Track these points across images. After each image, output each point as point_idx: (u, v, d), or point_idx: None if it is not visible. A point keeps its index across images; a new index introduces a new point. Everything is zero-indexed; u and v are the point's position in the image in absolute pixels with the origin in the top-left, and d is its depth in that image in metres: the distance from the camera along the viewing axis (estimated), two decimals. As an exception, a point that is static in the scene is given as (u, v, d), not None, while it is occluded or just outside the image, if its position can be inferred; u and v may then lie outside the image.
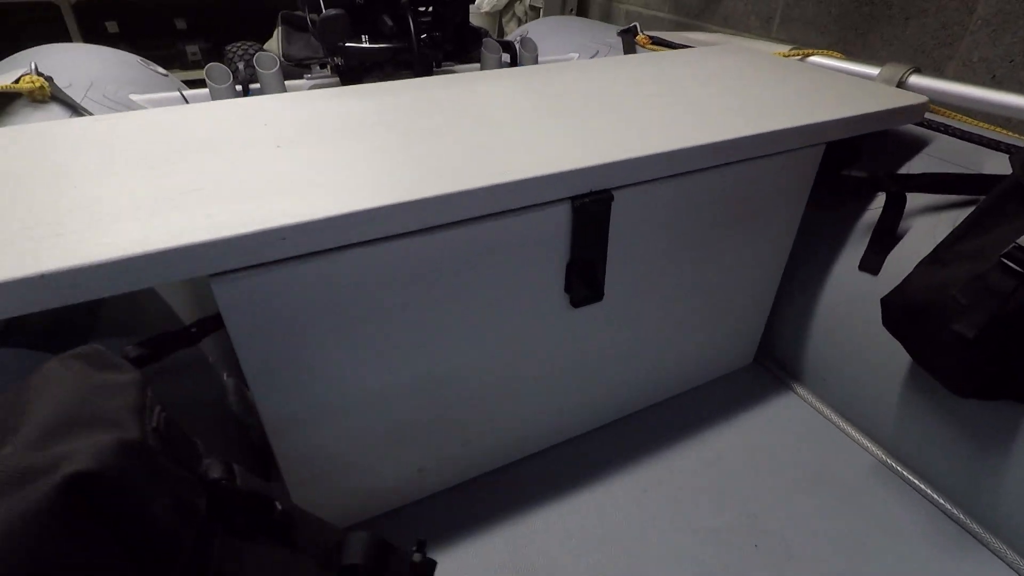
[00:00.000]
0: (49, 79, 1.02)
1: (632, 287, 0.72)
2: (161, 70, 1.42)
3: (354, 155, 0.59)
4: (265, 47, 1.89)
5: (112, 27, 2.54)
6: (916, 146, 0.84)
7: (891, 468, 0.80)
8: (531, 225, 0.60)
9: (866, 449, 0.83)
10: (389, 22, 1.13)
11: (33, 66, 1.03)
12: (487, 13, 2.51)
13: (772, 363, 0.97)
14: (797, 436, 0.85)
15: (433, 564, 0.38)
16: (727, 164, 0.68)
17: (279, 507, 0.32)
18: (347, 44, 1.08)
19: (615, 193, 0.62)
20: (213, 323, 0.53)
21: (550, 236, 0.62)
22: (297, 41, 1.66)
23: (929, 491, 0.76)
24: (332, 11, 0.95)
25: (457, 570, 0.68)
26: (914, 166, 0.82)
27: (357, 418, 0.63)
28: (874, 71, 0.99)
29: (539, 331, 0.68)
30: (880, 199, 0.80)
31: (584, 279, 0.65)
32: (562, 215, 0.61)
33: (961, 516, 0.73)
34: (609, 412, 0.85)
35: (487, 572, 0.68)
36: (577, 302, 0.68)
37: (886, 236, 0.78)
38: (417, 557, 0.36)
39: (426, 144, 0.62)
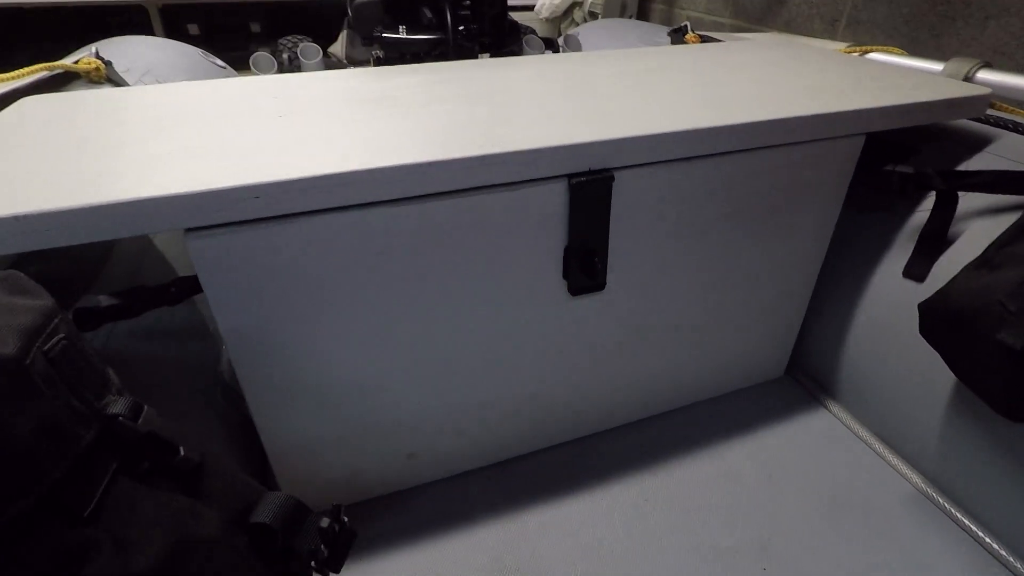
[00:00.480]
0: (108, 63, 1.09)
1: (639, 279, 0.68)
2: (219, 62, 1.49)
3: (349, 125, 0.59)
4: (330, 50, 1.96)
5: (193, 29, 2.71)
6: (977, 144, 0.75)
7: (931, 499, 0.71)
8: (524, 202, 0.57)
9: (904, 476, 0.74)
10: (428, 14, 1.13)
11: (94, 50, 1.10)
12: (547, 19, 2.51)
13: (804, 376, 0.90)
14: (826, 457, 0.77)
15: (351, 534, 0.36)
16: (747, 151, 0.63)
17: (182, 453, 0.31)
18: (384, 35, 1.09)
19: (617, 174, 0.58)
20: (193, 284, 0.53)
21: (545, 216, 0.59)
22: (360, 44, 1.72)
23: (974, 528, 0.67)
24: (366, -2, 0.96)
25: (443, 564, 0.65)
26: (973, 165, 0.73)
27: (340, 394, 0.62)
28: (938, 66, 0.91)
29: (535, 317, 0.65)
30: (930, 200, 0.73)
31: (583, 265, 0.62)
32: (558, 194, 0.57)
33: (1010, 558, 0.64)
34: (616, 415, 0.81)
35: (474, 569, 0.65)
36: (576, 290, 0.64)
37: (934, 240, 0.71)
38: (325, 522, 0.34)
39: (424, 117, 0.60)
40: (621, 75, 0.76)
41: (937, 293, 0.60)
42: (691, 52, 0.91)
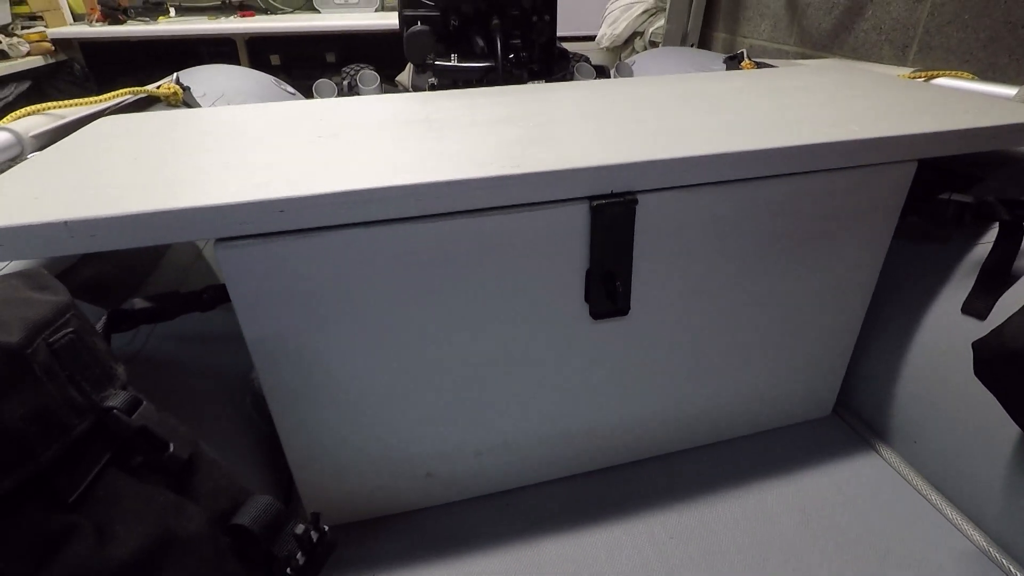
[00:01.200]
0: (186, 88, 1.18)
1: (665, 305, 0.66)
2: (290, 88, 1.58)
3: (380, 146, 0.61)
4: (398, 79, 2.05)
5: (275, 59, 2.91)
6: (1050, 173, 0.70)
7: (992, 559, 0.64)
8: (545, 223, 0.57)
9: (963, 531, 0.68)
10: (480, 43, 1.17)
11: (175, 77, 1.19)
12: (607, 48, 2.52)
13: (852, 417, 0.84)
14: (874, 505, 0.72)
15: (330, 545, 0.36)
16: (782, 176, 0.60)
17: (171, 450, 0.32)
18: (436, 63, 1.13)
19: (641, 197, 0.57)
20: (224, 292, 0.55)
21: (566, 238, 0.58)
22: (423, 74, 1.80)
23: (1041, 597, 0.60)
24: (418, 27, 1.00)
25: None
26: (1045, 195, 0.68)
27: (360, 408, 0.63)
28: (1012, 91, 0.85)
29: (556, 338, 0.64)
30: (993, 232, 0.67)
31: (605, 288, 0.61)
32: (579, 216, 0.57)
33: (1082, 636, 0.57)
34: (642, 447, 0.77)
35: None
36: (597, 314, 0.63)
37: (997, 274, 0.65)
38: (300, 528, 0.34)
39: (454, 139, 0.62)
40: (660, 100, 0.75)
41: (993, 331, 0.56)
42: (739, 77, 0.89)
